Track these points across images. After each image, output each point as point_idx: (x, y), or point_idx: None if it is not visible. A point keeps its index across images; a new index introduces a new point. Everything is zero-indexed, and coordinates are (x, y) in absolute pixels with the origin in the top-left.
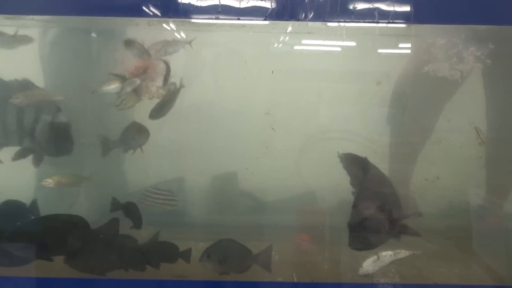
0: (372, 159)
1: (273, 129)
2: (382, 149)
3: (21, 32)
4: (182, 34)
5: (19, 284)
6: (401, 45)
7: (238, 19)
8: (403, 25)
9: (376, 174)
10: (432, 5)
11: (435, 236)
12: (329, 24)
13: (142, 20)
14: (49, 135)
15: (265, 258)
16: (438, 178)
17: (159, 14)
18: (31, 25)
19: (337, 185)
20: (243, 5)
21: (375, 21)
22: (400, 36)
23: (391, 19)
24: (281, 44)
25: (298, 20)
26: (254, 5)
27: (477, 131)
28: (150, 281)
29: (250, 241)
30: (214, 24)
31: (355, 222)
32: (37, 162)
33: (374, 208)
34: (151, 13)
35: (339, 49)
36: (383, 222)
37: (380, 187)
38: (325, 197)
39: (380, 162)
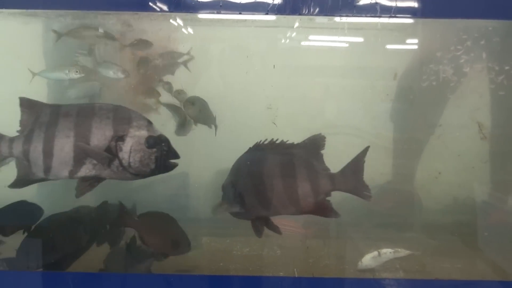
0: (378, 155)
1: (275, 124)
2: (389, 145)
3: (25, 26)
4: (189, 29)
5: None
6: (406, 40)
7: (240, 13)
8: (406, 20)
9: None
10: None
11: (439, 231)
12: (330, 19)
13: (143, 15)
14: None
15: None
16: (440, 173)
17: (160, 9)
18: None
19: None
20: (244, 0)
21: (377, 15)
22: (406, 31)
23: (393, 13)
24: (282, 39)
25: (300, 14)
26: (255, 0)
27: (479, 126)
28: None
29: (253, 235)
30: (216, 19)
31: None
32: None
33: (229, 181)
34: (157, 8)
35: (342, 44)
36: (233, 198)
37: (255, 173)
38: None
39: (386, 157)
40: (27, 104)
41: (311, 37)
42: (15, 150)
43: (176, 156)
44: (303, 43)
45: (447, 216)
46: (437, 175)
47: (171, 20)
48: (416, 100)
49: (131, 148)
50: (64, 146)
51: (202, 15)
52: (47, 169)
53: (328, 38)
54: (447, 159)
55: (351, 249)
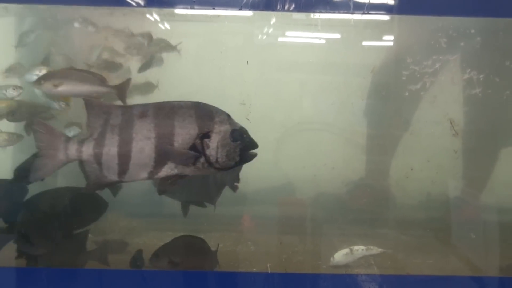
0: (352, 151)
1: (248, 119)
2: (364, 141)
3: None
4: (161, 25)
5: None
6: (382, 37)
7: (213, 9)
8: (380, 17)
9: None
10: None
11: (412, 227)
12: (305, 15)
13: (116, 10)
14: None
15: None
16: (412, 169)
17: (136, 4)
18: (5, 15)
19: (313, 176)
20: None
21: (350, 12)
22: (381, 28)
23: (366, 10)
24: (257, 35)
25: (274, 10)
26: None
27: (451, 123)
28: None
29: (229, 232)
30: (189, 14)
31: None
32: None
33: None
34: (132, 3)
35: (315, 40)
36: None
37: None
38: (303, 188)
39: (361, 153)
40: (93, 106)
41: (285, 33)
42: (85, 153)
43: (255, 145)
44: (277, 39)
45: (421, 212)
46: (410, 171)
47: (147, 15)
48: (390, 97)
49: (217, 144)
50: (144, 148)
51: (176, 10)
52: (123, 171)
53: (303, 35)
54: (419, 155)
55: (324, 245)
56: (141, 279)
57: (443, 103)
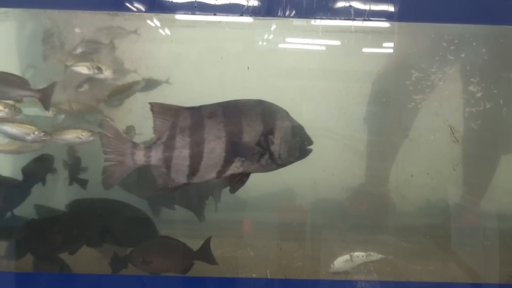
0: (352, 157)
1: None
2: (364, 147)
3: None
4: (160, 30)
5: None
6: (383, 44)
7: (215, 14)
8: (381, 23)
9: None
10: (409, 3)
11: (412, 234)
12: (305, 21)
13: (118, 15)
14: None
15: (206, 253)
16: (412, 176)
17: (136, 9)
18: (5, 19)
19: (314, 181)
20: (219, 1)
21: (351, 18)
22: (383, 34)
23: (366, 17)
24: (257, 41)
25: (274, 16)
26: (230, 1)
27: (451, 129)
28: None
29: (228, 237)
30: (191, 20)
31: None
32: None
33: None
34: (133, 8)
35: (316, 47)
36: None
37: None
38: (303, 194)
39: (361, 159)
40: (159, 110)
41: (286, 39)
42: (154, 158)
43: (311, 142)
44: (278, 45)
45: (420, 219)
46: (410, 178)
47: (147, 21)
48: (390, 103)
49: (280, 140)
50: (216, 147)
51: (177, 16)
52: (193, 173)
53: (303, 41)
54: (419, 162)
55: (324, 251)
56: (139, 284)
57: (443, 110)
